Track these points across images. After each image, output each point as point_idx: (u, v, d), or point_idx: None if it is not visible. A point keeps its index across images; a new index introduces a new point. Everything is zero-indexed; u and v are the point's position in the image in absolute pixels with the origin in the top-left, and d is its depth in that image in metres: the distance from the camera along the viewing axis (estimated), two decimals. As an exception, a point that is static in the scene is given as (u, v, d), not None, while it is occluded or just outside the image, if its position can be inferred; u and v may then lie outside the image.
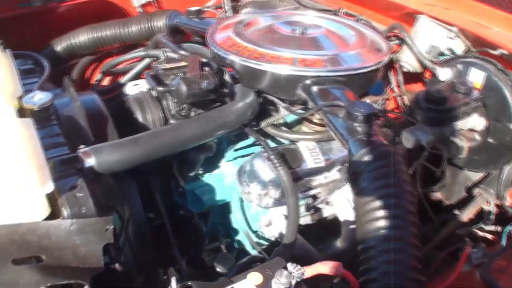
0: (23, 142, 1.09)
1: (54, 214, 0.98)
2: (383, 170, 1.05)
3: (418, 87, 1.88)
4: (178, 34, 2.20)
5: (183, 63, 1.56)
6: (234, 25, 1.70)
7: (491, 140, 1.49)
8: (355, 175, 1.10)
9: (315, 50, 1.56)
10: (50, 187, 0.97)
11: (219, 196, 1.55)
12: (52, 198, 0.99)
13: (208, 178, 1.56)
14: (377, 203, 1.01)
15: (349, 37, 1.70)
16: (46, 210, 0.97)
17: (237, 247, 1.57)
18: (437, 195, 1.74)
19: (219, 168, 1.57)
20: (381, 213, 0.99)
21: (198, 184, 1.55)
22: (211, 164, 1.57)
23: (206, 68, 1.62)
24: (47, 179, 0.99)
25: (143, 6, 2.51)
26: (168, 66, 1.54)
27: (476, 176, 1.60)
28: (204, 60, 1.62)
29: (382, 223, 0.99)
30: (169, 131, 1.25)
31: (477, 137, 1.52)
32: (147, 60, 2.07)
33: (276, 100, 1.50)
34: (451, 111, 1.39)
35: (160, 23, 2.20)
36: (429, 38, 1.69)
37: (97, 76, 2.31)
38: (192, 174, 1.54)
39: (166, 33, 2.19)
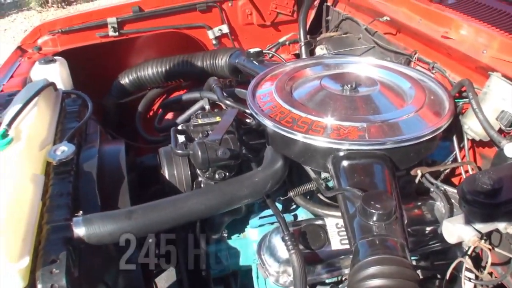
0: (21, 204, 1.10)
1: (33, 285, 0.99)
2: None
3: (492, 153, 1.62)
4: (240, 75, 2.14)
5: (217, 119, 1.50)
6: (279, 77, 1.59)
7: None
8: (354, 284, 0.94)
9: (362, 112, 1.39)
10: (25, 262, 0.98)
11: (242, 262, 1.46)
12: (35, 268, 1.00)
13: (232, 242, 1.47)
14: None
15: (407, 95, 1.52)
16: (21, 283, 0.97)
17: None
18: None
19: (244, 232, 1.47)
20: None
21: (221, 247, 1.47)
22: (238, 227, 1.48)
23: (249, 120, 1.56)
24: (25, 252, 1.01)
25: (218, 38, 2.49)
26: (200, 121, 1.48)
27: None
28: (249, 111, 1.54)
29: None
30: (169, 205, 1.17)
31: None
32: (203, 101, 2.03)
33: (307, 169, 1.36)
34: (506, 205, 1.15)
35: (222, 61, 2.16)
36: (501, 102, 1.43)
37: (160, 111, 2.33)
38: (215, 236, 1.46)
39: (227, 72, 2.16)
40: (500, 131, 1.43)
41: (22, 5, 8.26)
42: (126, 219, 1.10)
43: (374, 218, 1.03)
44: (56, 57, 1.99)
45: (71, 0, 8.33)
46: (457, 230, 1.17)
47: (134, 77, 2.30)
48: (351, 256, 1.24)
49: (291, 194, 1.38)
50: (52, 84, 1.66)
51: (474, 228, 1.16)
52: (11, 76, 2.00)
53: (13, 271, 0.96)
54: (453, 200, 1.41)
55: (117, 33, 2.29)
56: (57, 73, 1.94)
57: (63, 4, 8.09)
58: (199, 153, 1.27)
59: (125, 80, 2.32)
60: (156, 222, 1.13)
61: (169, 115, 2.37)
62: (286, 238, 1.20)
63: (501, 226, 1.18)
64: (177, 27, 2.40)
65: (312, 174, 1.38)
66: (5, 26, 7.61)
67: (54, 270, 0.98)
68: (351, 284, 0.95)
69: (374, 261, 0.94)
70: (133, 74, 2.31)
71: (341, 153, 1.26)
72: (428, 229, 1.42)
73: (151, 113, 2.51)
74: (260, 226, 1.46)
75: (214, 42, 2.47)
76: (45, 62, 1.96)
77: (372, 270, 0.92)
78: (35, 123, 1.41)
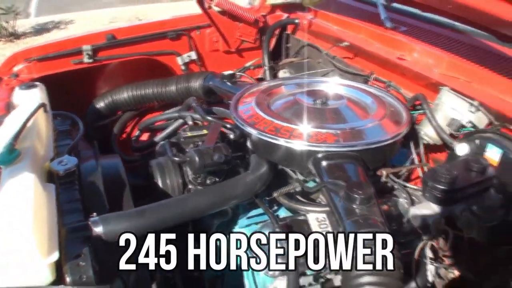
0: (42, 209, 1.20)
1: (61, 279, 1.08)
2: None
3: (444, 157, 1.86)
4: (212, 96, 2.31)
5: (204, 131, 1.65)
6: (258, 94, 1.77)
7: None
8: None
9: (333, 122, 1.60)
10: (55, 256, 1.08)
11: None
12: (59, 264, 1.09)
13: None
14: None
15: (370, 108, 1.74)
16: (49, 277, 1.06)
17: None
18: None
19: (233, 233, 1.62)
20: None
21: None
22: (226, 228, 1.62)
23: (231, 134, 1.71)
24: (54, 248, 1.10)
25: (187, 64, 2.64)
26: (189, 134, 1.64)
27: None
28: (228, 125, 1.70)
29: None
30: (176, 203, 1.32)
31: (495, 215, 1.46)
32: (180, 120, 2.17)
33: (289, 171, 1.54)
34: (460, 192, 1.37)
35: (197, 84, 2.32)
36: (451, 111, 1.68)
37: (136, 132, 2.44)
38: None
39: (201, 93, 2.32)
40: (451, 135, 1.67)
41: (-31, 39, 8.13)
42: (139, 217, 1.23)
43: (357, 202, 1.21)
44: (36, 83, 2.07)
45: (19, 34, 8.29)
46: (422, 214, 1.37)
47: (109, 101, 2.40)
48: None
49: (275, 194, 1.54)
50: (44, 105, 1.76)
51: (436, 212, 1.37)
52: None
53: (43, 265, 1.04)
54: (413, 197, 1.63)
55: (92, 60, 2.39)
56: (38, 98, 2.03)
57: (11, 38, 8.03)
58: (197, 158, 1.43)
59: (100, 104, 2.42)
60: (166, 219, 1.27)
61: (144, 136, 2.48)
62: (277, 230, 1.35)
63: (458, 211, 1.40)
64: (148, 53, 2.53)
65: (294, 176, 1.55)
66: (-49, 59, 7.46)
67: (80, 263, 1.08)
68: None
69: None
70: (108, 98, 2.41)
71: (320, 155, 1.45)
72: (394, 222, 1.62)
73: (124, 135, 2.62)
74: (247, 226, 1.61)
75: (182, 67, 2.62)
76: (26, 87, 2.03)
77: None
78: (36, 139, 1.50)
